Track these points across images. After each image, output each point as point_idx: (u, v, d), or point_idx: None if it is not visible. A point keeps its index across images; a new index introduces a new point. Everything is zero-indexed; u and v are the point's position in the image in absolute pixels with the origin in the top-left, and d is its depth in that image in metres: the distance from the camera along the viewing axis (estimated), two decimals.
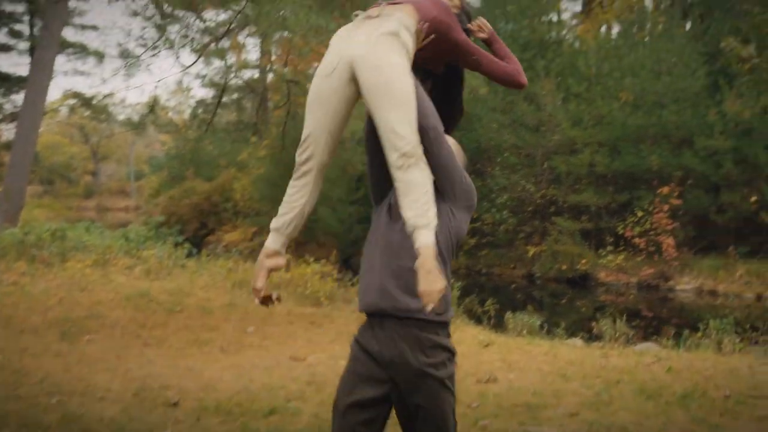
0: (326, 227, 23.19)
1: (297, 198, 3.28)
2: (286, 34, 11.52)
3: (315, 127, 3.17)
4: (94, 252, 14.01)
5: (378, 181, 3.35)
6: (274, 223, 3.31)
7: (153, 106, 11.38)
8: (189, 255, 15.16)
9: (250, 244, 26.48)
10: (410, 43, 3.14)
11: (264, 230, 26.77)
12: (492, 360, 7.97)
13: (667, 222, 19.48)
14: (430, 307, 2.76)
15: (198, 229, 30.72)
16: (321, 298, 11.87)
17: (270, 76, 28.83)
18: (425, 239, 2.85)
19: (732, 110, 19.28)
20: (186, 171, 34.44)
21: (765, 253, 18.68)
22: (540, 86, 21.71)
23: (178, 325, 9.47)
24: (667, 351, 8.92)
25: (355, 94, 3.12)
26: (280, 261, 3.32)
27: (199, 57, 8.63)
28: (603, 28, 27.93)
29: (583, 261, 20.23)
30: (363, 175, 21.89)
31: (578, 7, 35.34)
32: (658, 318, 15.70)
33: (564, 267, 20.31)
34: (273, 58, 30.91)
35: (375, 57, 3.03)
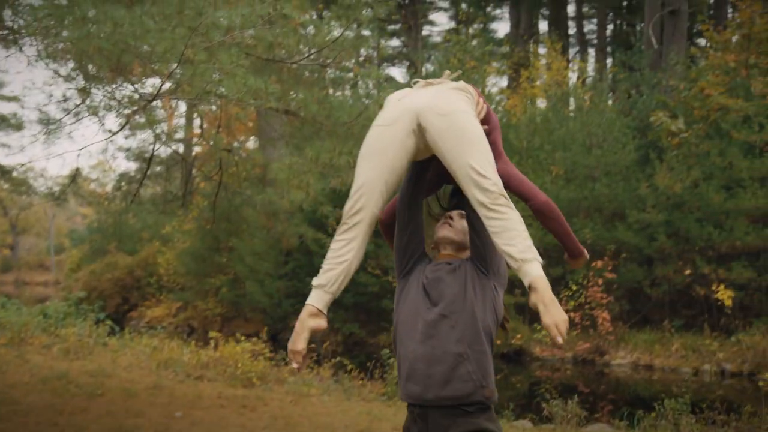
0: (254, 302, 22.50)
1: (344, 252, 3.07)
2: (214, 107, 11.08)
3: (369, 176, 3.02)
4: (9, 330, 13.26)
5: (404, 254, 3.24)
6: (318, 280, 3.09)
7: (75, 175, 10.77)
8: (111, 332, 14.49)
9: (174, 320, 25.69)
10: (474, 104, 3.11)
11: (189, 305, 26.13)
12: None
13: (602, 296, 19.30)
14: (559, 339, 2.79)
15: (120, 305, 29.78)
16: (253, 379, 11.23)
17: (196, 149, 28.28)
18: (536, 271, 2.82)
19: (663, 184, 19.36)
20: (108, 245, 33.47)
21: (699, 326, 18.60)
22: None
23: (100, 411, 8.77)
24: None
25: (415, 148, 3.05)
26: (323, 322, 3.09)
27: (127, 122, 8.10)
28: (530, 103, 28.17)
29: (518, 336, 19.86)
30: (293, 249, 21.36)
31: (504, 82, 35.95)
32: (594, 394, 15.39)
33: (498, 342, 19.88)
34: (200, 129, 30.45)
35: (445, 104, 2.98)
